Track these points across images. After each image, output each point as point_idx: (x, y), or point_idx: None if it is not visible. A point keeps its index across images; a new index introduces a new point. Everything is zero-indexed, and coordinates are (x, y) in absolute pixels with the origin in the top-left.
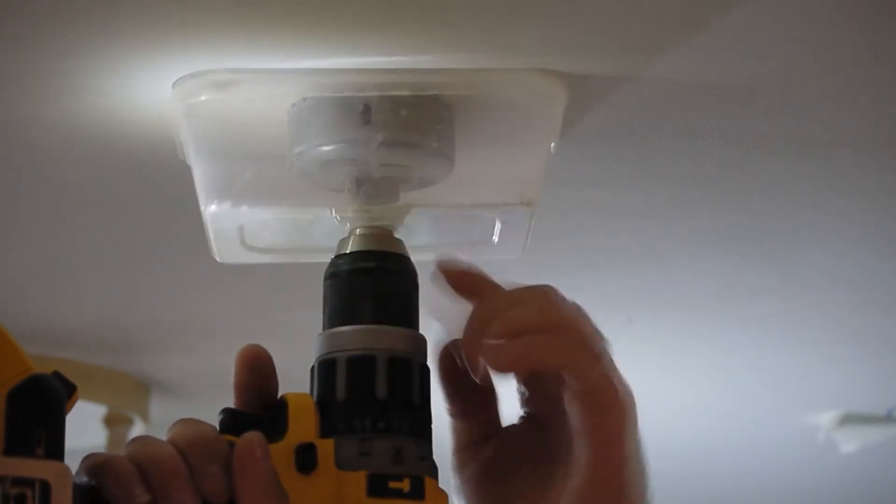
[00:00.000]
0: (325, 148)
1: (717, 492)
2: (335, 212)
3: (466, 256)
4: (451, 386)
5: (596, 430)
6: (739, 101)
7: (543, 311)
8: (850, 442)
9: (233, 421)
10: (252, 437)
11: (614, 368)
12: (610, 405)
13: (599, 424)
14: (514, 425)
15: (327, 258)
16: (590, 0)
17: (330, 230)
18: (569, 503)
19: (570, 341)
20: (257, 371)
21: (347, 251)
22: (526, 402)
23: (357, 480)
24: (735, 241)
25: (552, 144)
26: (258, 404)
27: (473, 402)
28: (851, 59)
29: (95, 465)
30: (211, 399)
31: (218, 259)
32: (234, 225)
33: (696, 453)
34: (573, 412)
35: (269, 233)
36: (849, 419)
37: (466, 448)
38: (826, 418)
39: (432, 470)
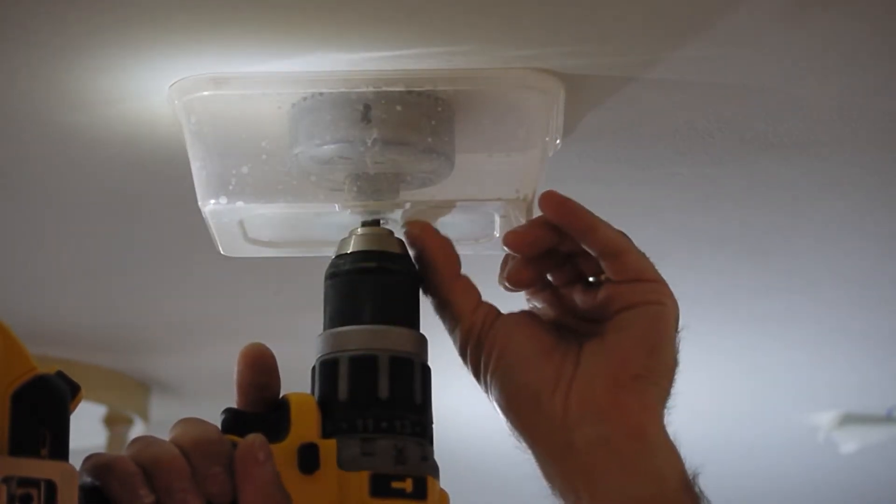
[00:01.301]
0: (326, 147)
1: (717, 492)
2: (337, 207)
3: (470, 251)
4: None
5: (659, 286)
6: (739, 101)
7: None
8: (850, 442)
9: (235, 421)
10: (254, 439)
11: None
12: (662, 287)
13: (657, 295)
14: (513, 315)
15: (332, 251)
16: (588, 0)
17: (334, 224)
18: (614, 359)
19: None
20: (260, 369)
21: (348, 251)
22: (535, 295)
23: (360, 480)
24: (735, 241)
25: (557, 141)
26: (261, 403)
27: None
28: (852, 59)
29: (99, 465)
30: (211, 399)
31: (222, 252)
32: (234, 220)
33: (695, 453)
34: (632, 266)
35: (272, 227)
36: (849, 419)
37: (473, 330)
38: (826, 418)
39: (434, 470)
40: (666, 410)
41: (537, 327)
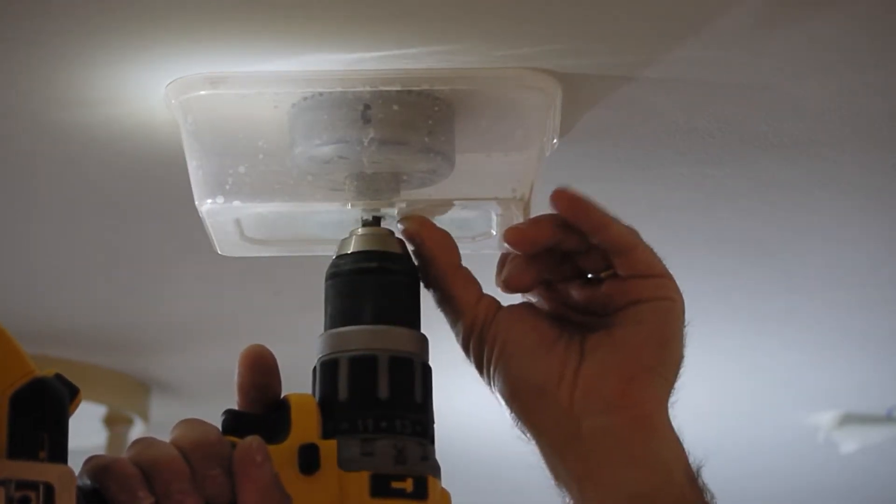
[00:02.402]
0: (323, 146)
1: (717, 492)
2: (336, 206)
3: (468, 250)
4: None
5: (668, 281)
6: (739, 101)
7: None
8: (850, 442)
9: (235, 422)
10: (251, 441)
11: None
12: (671, 283)
13: (667, 291)
14: (514, 307)
15: (329, 250)
16: (587, 0)
17: (331, 223)
18: (622, 351)
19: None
20: (260, 370)
21: (349, 251)
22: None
23: (360, 481)
24: (735, 242)
25: (554, 141)
26: (261, 404)
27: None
28: (852, 59)
29: (98, 467)
30: (211, 399)
31: (219, 251)
32: (231, 219)
33: (695, 454)
34: (641, 261)
35: (269, 226)
36: (849, 419)
37: (476, 323)
38: (826, 418)
39: (435, 470)
40: (670, 404)
41: (539, 319)
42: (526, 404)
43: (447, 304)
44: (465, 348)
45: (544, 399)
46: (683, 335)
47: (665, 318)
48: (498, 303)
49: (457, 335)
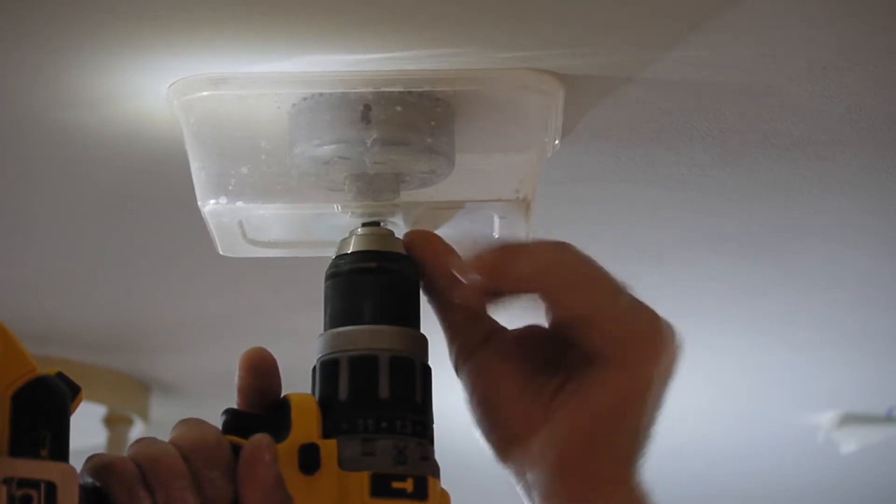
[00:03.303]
0: (325, 147)
1: (716, 492)
2: (337, 207)
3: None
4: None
5: (627, 356)
6: (739, 101)
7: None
8: (850, 442)
9: (235, 421)
10: (261, 439)
11: (642, 304)
12: (642, 337)
13: (627, 355)
14: (515, 331)
15: (331, 252)
16: (587, 0)
17: (333, 224)
18: (574, 420)
19: (591, 277)
20: (261, 374)
21: (349, 251)
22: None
23: (360, 481)
24: (735, 241)
25: (555, 142)
26: (261, 407)
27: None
28: (851, 59)
29: (99, 466)
30: (211, 399)
31: (221, 252)
32: (234, 220)
33: (695, 454)
34: (596, 339)
35: (272, 227)
36: (849, 419)
37: (463, 350)
38: (826, 418)
39: (435, 470)
40: (639, 465)
41: (515, 364)
42: (498, 450)
43: (441, 322)
44: (456, 371)
45: (512, 449)
46: (659, 397)
47: (632, 386)
48: (485, 334)
49: (449, 354)
